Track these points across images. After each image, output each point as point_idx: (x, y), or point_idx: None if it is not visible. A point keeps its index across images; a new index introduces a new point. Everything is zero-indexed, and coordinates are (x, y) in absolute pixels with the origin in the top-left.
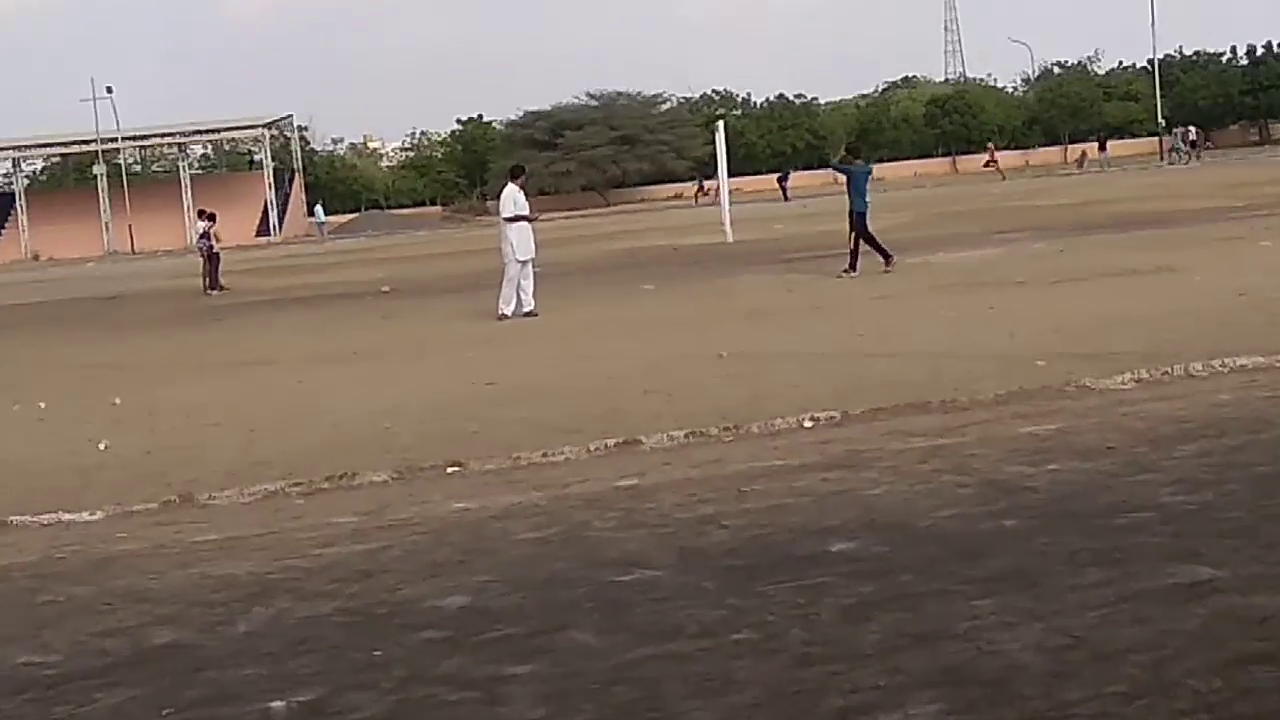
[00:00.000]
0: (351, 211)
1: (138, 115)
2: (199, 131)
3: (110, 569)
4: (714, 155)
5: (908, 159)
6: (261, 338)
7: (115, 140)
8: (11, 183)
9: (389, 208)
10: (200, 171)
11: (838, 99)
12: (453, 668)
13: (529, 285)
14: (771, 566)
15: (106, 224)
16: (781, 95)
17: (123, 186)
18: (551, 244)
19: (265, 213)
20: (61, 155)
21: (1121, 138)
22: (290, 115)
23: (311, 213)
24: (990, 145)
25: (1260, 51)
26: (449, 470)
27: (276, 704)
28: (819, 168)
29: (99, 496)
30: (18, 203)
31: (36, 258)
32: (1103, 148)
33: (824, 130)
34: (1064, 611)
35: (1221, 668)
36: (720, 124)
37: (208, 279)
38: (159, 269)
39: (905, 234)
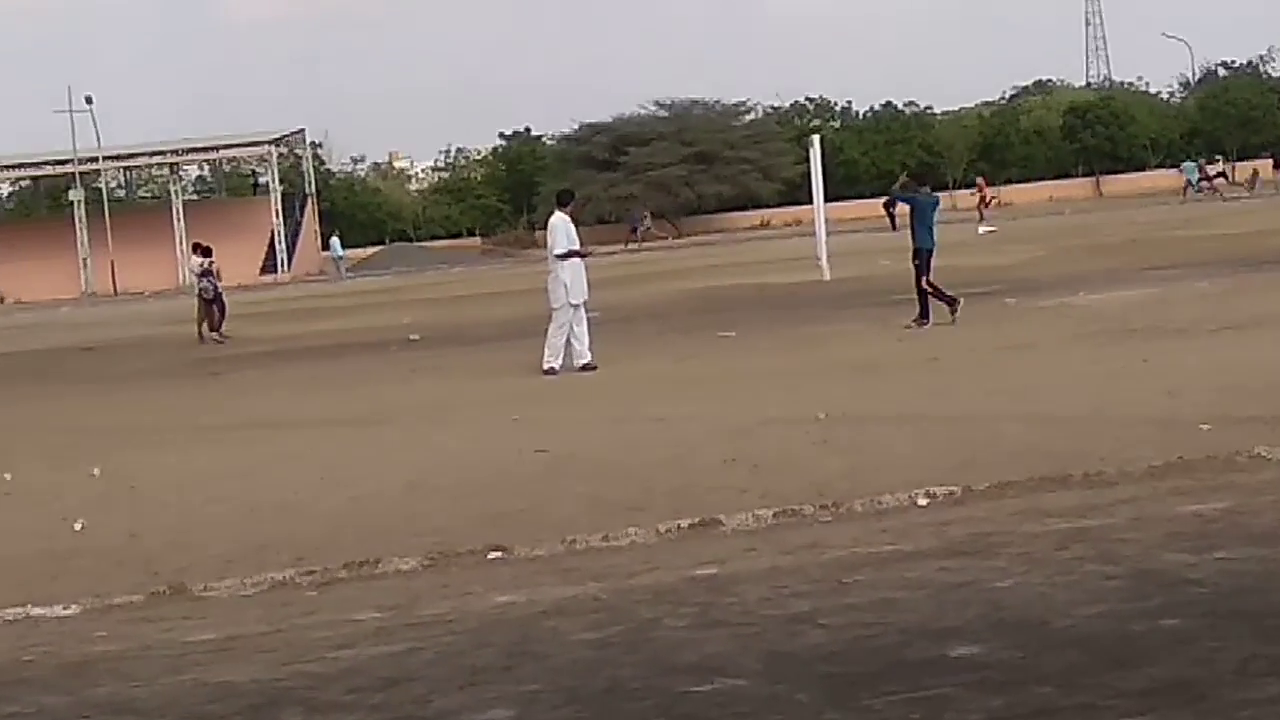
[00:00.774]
0: (374, 244)
1: (122, 131)
2: (194, 149)
3: (88, 674)
4: (807, 176)
5: (1041, 179)
6: (266, 396)
7: (95, 160)
8: None
9: (418, 239)
10: (195, 197)
11: (956, 108)
12: None
13: (583, 333)
14: (878, 675)
15: (84, 260)
16: (889, 104)
17: (104, 215)
18: (611, 283)
19: (271, 246)
20: (31, 178)
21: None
22: (301, 130)
23: (327, 246)
24: (980, 180)
25: None
26: (490, 556)
27: None
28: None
29: (74, 587)
30: None
31: (1, 300)
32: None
33: (940, 145)
34: None
35: None
36: (815, 139)
37: (205, 324)
38: (146, 313)
39: (1038, 270)
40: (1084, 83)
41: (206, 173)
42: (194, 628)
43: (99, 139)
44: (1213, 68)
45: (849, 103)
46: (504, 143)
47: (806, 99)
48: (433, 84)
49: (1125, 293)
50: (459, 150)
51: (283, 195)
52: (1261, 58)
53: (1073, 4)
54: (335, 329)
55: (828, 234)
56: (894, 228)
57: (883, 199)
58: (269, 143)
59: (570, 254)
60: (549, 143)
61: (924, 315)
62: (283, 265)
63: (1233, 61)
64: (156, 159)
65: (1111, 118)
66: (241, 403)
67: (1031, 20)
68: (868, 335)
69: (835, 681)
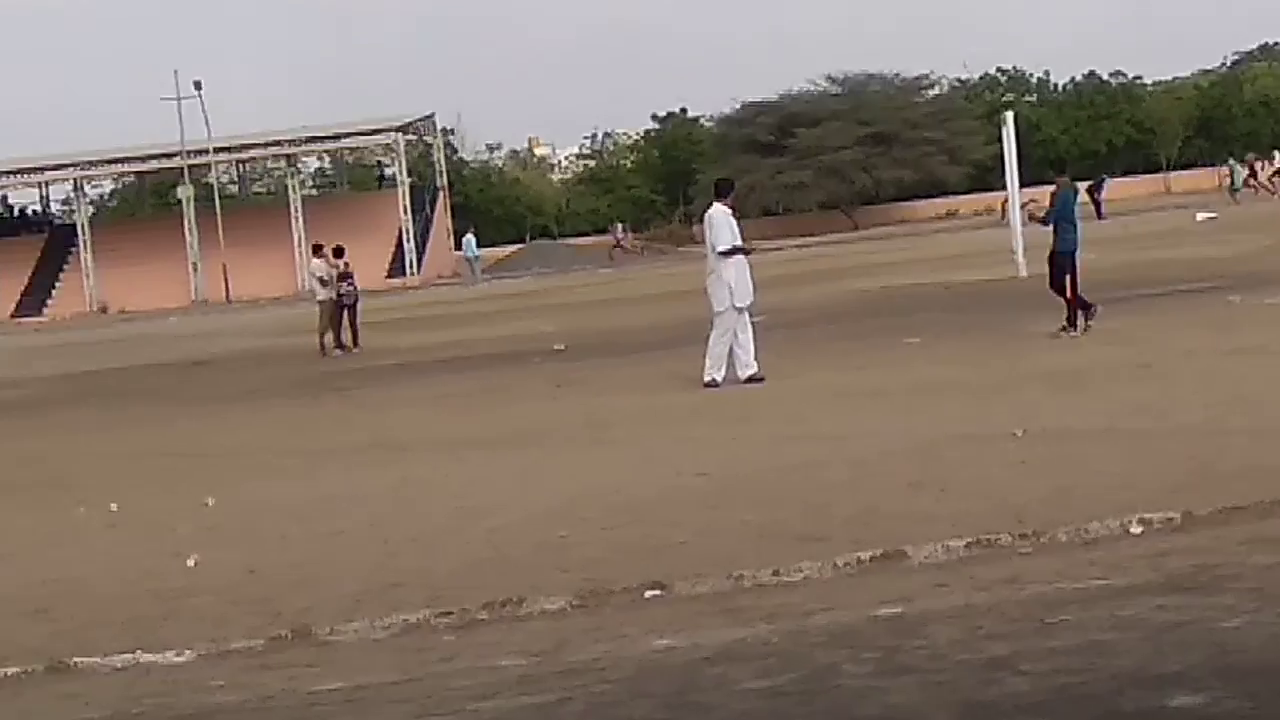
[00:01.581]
0: (513, 242)
1: (233, 120)
2: (313, 139)
3: None
4: (1000, 157)
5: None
6: (396, 415)
7: (205, 152)
8: (72, 211)
9: (561, 236)
10: (314, 192)
11: (1170, 78)
12: None
13: (748, 341)
14: None
15: (194, 264)
16: (1092, 74)
17: (215, 213)
18: (779, 283)
19: (399, 245)
20: (136, 174)
21: None
22: (432, 115)
23: (460, 245)
24: (1251, 157)
25: None
26: (647, 594)
27: None
28: (1145, 172)
29: (187, 630)
30: (80, 238)
31: (104, 310)
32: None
33: (1151, 120)
34: None
35: None
36: (1009, 115)
37: (334, 334)
38: (262, 323)
39: (1266, 263)
40: None
41: (327, 164)
42: (319, 676)
43: (209, 129)
44: None
45: (1046, 74)
46: (656, 126)
47: (998, 70)
48: (576, 61)
49: None
50: (606, 135)
51: (411, 188)
52: None
53: None
54: (471, 338)
55: (1024, 223)
56: (1100, 215)
57: (1086, 183)
58: (396, 130)
59: (734, 251)
60: (707, 125)
61: (1074, 319)
62: (412, 267)
63: None
64: (272, 150)
65: None
66: (368, 422)
67: None
68: (1070, 340)
69: None
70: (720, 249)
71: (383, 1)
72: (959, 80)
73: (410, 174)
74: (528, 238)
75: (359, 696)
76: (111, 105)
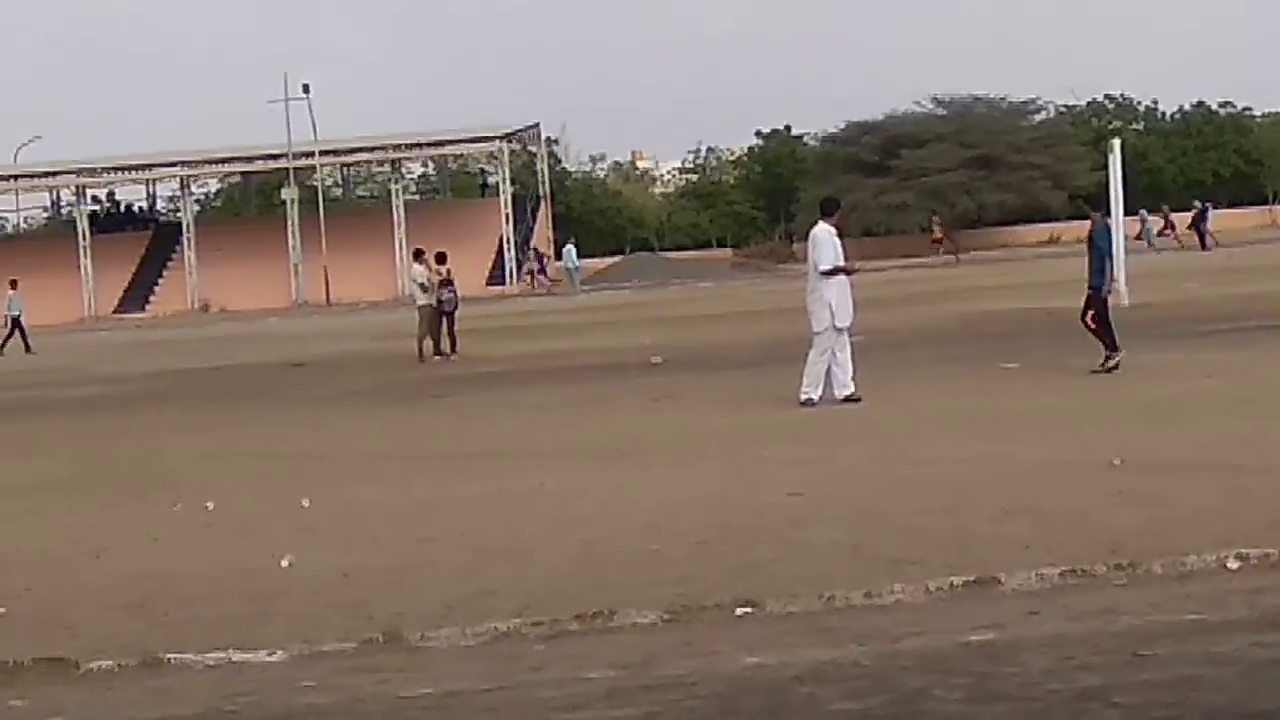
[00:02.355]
0: (613, 253)
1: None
2: (418, 144)
3: None
4: (1105, 185)
5: None
6: (492, 423)
7: (311, 155)
8: (178, 209)
9: (661, 249)
10: (417, 197)
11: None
12: None
13: (846, 360)
14: None
15: (296, 265)
16: (1201, 104)
17: (318, 216)
18: (878, 304)
19: (500, 253)
20: (242, 174)
21: None
22: (537, 124)
23: (560, 255)
24: (935, 219)
25: None
26: (738, 611)
27: None
28: (1251, 204)
29: (280, 630)
30: (184, 236)
31: (206, 308)
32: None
33: (1259, 152)
34: None
35: None
36: (1115, 143)
37: (434, 341)
38: (361, 326)
39: None
40: None
41: (431, 170)
42: (410, 681)
43: (315, 132)
44: None
45: (1154, 102)
46: (760, 142)
47: (1105, 97)
48: (681, 74)
49: None
50: (710, 150)
51: (514, 197)
52: None
53: None
54: (569, 349)
55: (1127, 252)
56: (1204, 246)
57: (1191, 212)
58: (500, 138)
59: (836, 270)
60: (811, 143)
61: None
62: (512, 276)
63: None
64: (377, 155)
65: None
66: (464, 429)
67: None
68: (1171, 370)
69: None
70: (823, 268)
71: (491, 11)
72: (1065, 106)
73: (513, 183)
74: (627, 250)
75: (448, 703)
76: (220, 106)
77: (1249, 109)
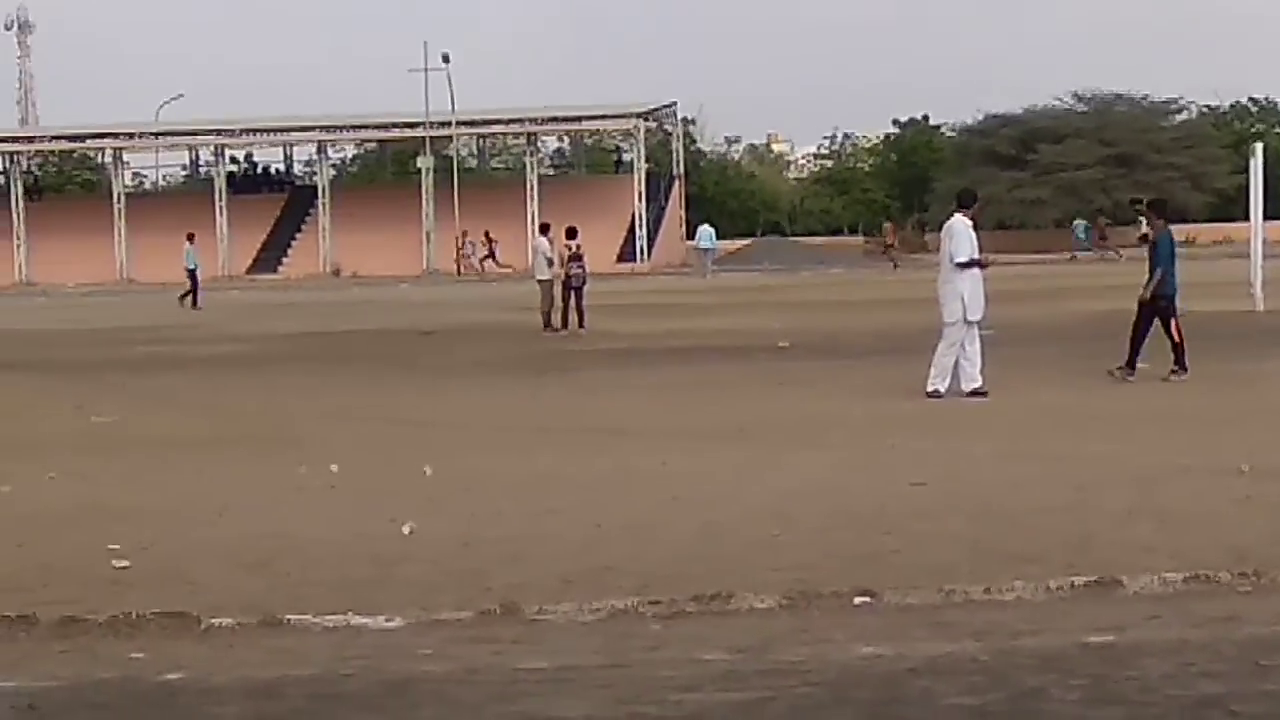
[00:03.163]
0: (743, 236)
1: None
2: (554, 119)
3: (408, 695)
4: (1245, 188)
5: None
6: (616, 399)
7: (448, 125)
8: (313, 172)
9: (793, 233)
10: (551, 171)
11: None
12: None
13: (975, 354)
14: None
15: (428, 233)
16: None
17: (452, 186)
18: (1007, 298)
19: (631, 231)
20: (379, 141)
21: None
22: (674, 104)
23: (693, 235)
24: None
25: None
26: (856, 600)
27: None
28: None
29: (399, 596)
30: (319, 200)
31: (337, 272)
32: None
33: None
34: None
35: None
36: (1257, 146)
37: (562, 315)
38: (490, 297)
39: None
40: None
41: (566, 145)
42: (525, 653)
43: (453, 102)
44: None
45: None
46: (897, 130)
47: (1249, 100)
48: (821, 59)
49: None
50: (846, 136)
51: (647, 175)
52: None
53: None
54: (696, 329)
55: (1265, 257)
56: None
57: None
58: (637, 116)
59: (971, 263)
60: (948, 134)
61: (1184, 361)
62: (642, 254)
63: None
64: (513, 127)
65: None
66: (588, 405)
67: None
68: (1178, 381)
69: None
70: (958, 260)
71: None
72: (1208, 107)
73: (648, 161)
74: (759, 232)
75: (563, 677)
76: (360, 71)
77: None
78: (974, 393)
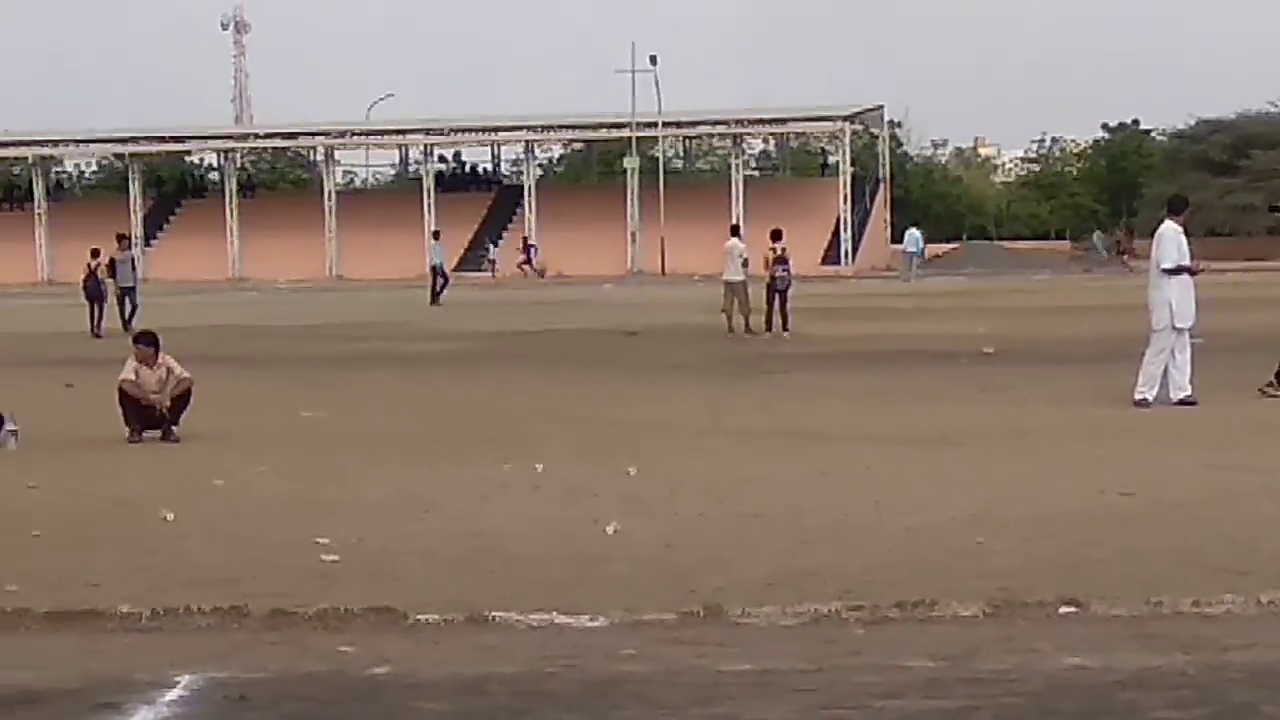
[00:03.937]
0: (948, 240)
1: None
2: (760, 120)
3: (611, 695)
4: None
5: None
6: (818, 403)
7: (654, 126)
8: (520, 172)
9: (999, 238)
10: (756, 173)
11: None
12: None
13: (1184, 362)
14: None
15: (633, 234)
16: None
17: (657, 186)
18: (1218, 306)
19: (836, 233)
20: (585, 141)
21: None
22: (880, 107)
23: (900, 239)
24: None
25: None
26: (1062, 610)
27: None
28: None
29: (603, 596)
30: (525, 199)
31: (542, 272)
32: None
33: None
34: None
35: None
36: None
37: (765, 317)
38: (694, 299)
39: None
40: None
41: (771, 148)
42: (728, 656)
43: (660, 103)
44: None
45: None
46: (1106, 135)
47: None
48: (1030, 66)
49: None
50: (1054, 140)
51: (853, 178)
52: None
53: None
54: (900, 333)
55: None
56: None
57: None
58: (843, 118)
59: (1179, 270)
60: (1159, 139)
61: None
62: (847, 256)
63: None
64: (719, 129)
65: None
66: (790, 408)
67: None
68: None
69: None
70: (1164, 266)
71: None
72: None
73: (853, 164)
74: (964, 237)
75: (766, 680)
76: (567, 72)
77: None
78: (1182, 401)
